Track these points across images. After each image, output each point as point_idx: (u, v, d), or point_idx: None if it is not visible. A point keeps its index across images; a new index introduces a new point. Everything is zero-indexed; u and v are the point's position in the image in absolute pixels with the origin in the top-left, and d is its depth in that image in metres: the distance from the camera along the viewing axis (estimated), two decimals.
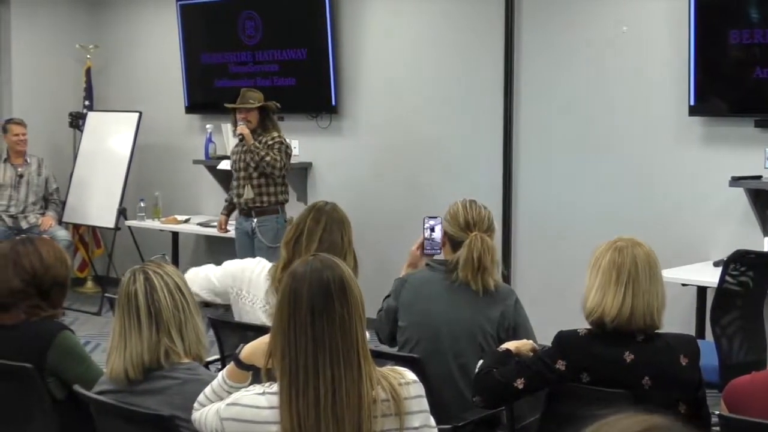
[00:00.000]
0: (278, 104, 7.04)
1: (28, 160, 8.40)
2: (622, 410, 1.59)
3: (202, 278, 4.04)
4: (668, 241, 6.00)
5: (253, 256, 6.42)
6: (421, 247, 4.17)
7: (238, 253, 6.73)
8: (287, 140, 7.03)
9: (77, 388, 3.07)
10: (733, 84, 6.00)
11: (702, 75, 5.98)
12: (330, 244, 3.81)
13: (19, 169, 8.34)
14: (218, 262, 4.20)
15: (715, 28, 5.93)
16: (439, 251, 4.08)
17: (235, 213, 7.22)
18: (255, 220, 6.90)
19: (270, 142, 6.86)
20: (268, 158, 6.79)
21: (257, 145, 6.83)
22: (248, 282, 4.00)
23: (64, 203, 8.70)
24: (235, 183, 7.10)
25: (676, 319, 5.17)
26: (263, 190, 6.91)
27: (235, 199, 7.10)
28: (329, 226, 3.89)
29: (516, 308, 3.89)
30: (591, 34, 6.56)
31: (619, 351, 3.11)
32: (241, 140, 6.99)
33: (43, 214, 8.39)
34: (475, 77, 7.09)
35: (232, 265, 4.10)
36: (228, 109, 7.04)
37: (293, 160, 7.98)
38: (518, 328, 3.86)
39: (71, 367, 3.39)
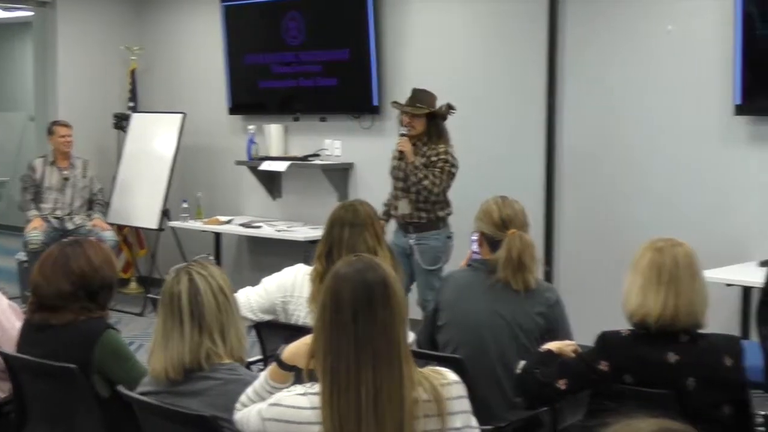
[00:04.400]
0: (453, 106, 6.29)
1: (74, 163, 8.47)
2: (665, 411, 1.58)
3: (245, 302, 3.96)
4: (713, 240, 5.95)
5: (410, 276, 6.18)
6: (469, 262, 4.18)
7: None
8: (454, 155, 6.21)
9: (120, 388, 3.09)
10: None
11: (748, 74, 5.92)
12: (356, 249, 3.79)
13: (65, 173, 8.41)
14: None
15: (762, 26, 5.88)
16: None
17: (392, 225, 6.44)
18: (413, 236, 6.19)
19: (434, 158, 6.12)
20: (426, 182, 6.06)
21: (417, 164, 6.11)
22: (292, 287, 4.01)
23: (108, 204, 8.78)
24: (392, 192, 6.42)
25: (721, 319, 5.11)
26: (421, 206, 6.18)
27: (392, 211, 6.38)
28: (353, 233, 3.89)
29: (557, 308, 3.89)
30: (636, 33, 6.52)
31: (663, 352, 3.09)
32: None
33: (89, 216, 8.45)
34: (519, 76, 7.06)
35: (274, 279, 4.09)
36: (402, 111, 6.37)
37: (335, 161, 8.02)
38: (558, 328, 3.86)
39: (116, 365, 3.42)
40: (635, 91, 6.54)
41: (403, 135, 6.24)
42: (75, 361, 3.34)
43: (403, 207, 6.20)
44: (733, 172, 6.16)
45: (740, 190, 6.13)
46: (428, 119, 6.21)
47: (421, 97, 6.29)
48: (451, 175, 6.16)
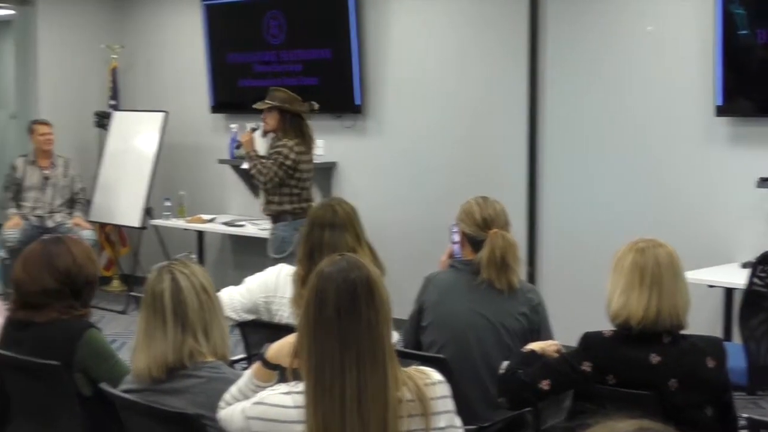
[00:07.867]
0: (315, 104, 6.62)
1: (55, 162, 8.45)
2: (647, 412, 1.58)
3: (228, 301, 3.92)
4: (695, 242, 5.97)
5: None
6: (451, 255, 4.15)
7: None
8: (295, 149, 6.43)
9: (103, 385, 3.08)
10: (760, 84, 5.95)
11: (729, 75, 5.94)
12: (338, 250, 3.76)
13: (45, 172, 8.38)
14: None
15: (742, 27, 5.90)
16: None
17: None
18: (271, 227, 6.64)
19: (271, 151, 6.52)
20: (253, 171, 6.50)
21: (251, 155, 6.54)
22: (274, 287, 4.00)
23: (90, 202, 8.75)
24: None
25: (703, 321, 5.14)
26: (270, 198, 6.53)
27: None
28: (333, 235, 3.87)
29: (539, 309, 3.89)
30: (616, 34, 6.53)
31: (645, 352, 3.09)
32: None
33: (70, 214, 8.43)
34: (500, 77, 7.07)
35: (256, 279, 4.07)
36: (257, 109, 6.76)
37: (318, 160, 7.98)
38: (541, 329, 3.86)
39: (98, 364, 3.41)
40: (617, 91, 6.55)
41: (253, 129, 6.72)
42: (57, 359, 3.32)
43: (261, 199, 6.69)
44: (714, 173, 6.18)
45: (722, 191, 6.15)
46: (282, 114, 6.49)
47: (273, 95, 6.56)
48: (283, 167, 6.38)
